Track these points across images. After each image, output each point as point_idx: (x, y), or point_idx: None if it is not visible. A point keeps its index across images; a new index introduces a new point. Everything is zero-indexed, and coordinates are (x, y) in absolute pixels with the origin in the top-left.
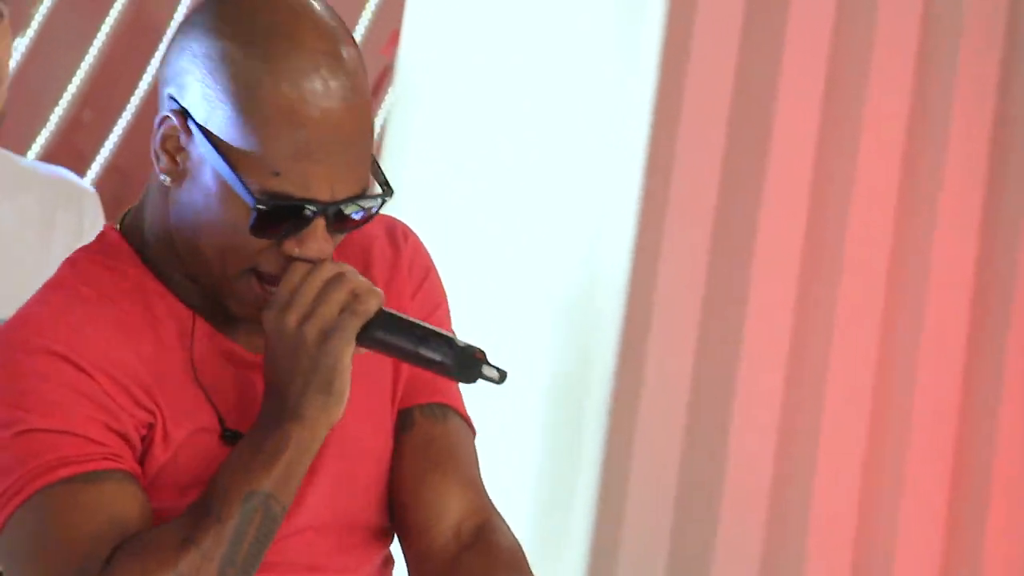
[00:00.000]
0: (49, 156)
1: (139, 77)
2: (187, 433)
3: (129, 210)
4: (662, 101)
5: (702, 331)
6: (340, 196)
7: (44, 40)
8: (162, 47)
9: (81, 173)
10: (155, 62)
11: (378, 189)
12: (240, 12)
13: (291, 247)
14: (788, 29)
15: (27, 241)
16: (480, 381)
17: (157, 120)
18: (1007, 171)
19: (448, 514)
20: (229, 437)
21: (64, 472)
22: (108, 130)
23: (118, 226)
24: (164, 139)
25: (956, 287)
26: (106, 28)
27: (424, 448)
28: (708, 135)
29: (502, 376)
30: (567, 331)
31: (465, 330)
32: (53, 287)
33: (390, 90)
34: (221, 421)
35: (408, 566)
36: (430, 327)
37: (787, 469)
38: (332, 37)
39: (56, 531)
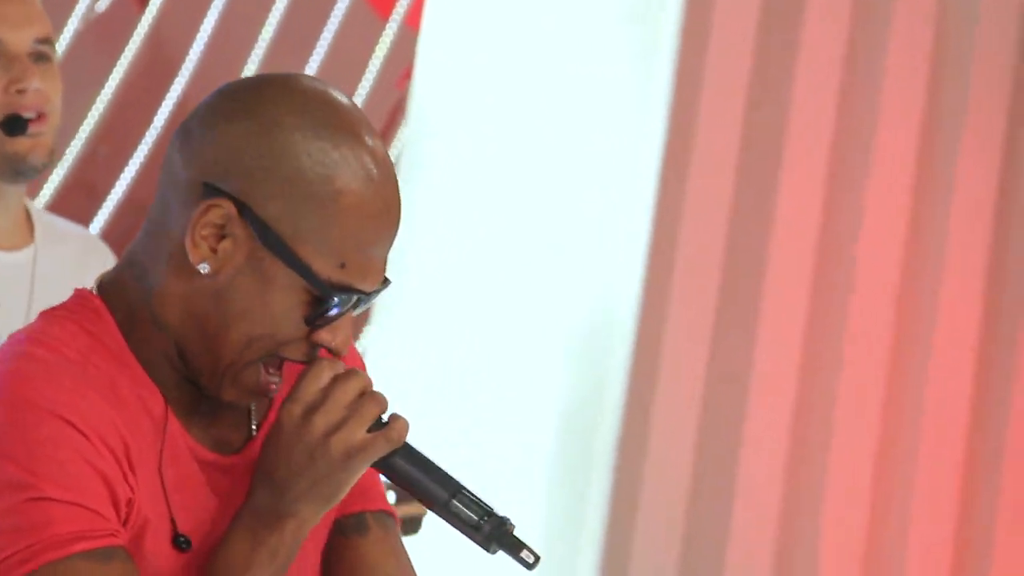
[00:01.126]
0: (64, 190)
1: (154, 113)
2: (143, 524)
3: (105, 279)
4: (673, 138)
5: (711, 366)
6: (376, 286)
7: (61, 76)
8: (178, 86)
9: (95, 208)
10: (171, 98)
11: None
12: (295, 103)
13: (325, 336)
14: (802, 43)
15: (66, 286)
16: (501, 552)
17: (197, 210)
18: (1018, 180)
19: None
20: (181, 543)
21: (79, 547)
22: (123, 165)
23: (95, 292)
24: (204, 227)
25: (966, 302)
26: (122, 64)
27: (383, 557)
28: (718, 170)
29: (536, 560)
30: (577, 366)
31: (478, 364)
32: (34, 342)
33: (403, 125)
34: (173, 523)
35: None
36: (456, 479)
37: (795, 501)
38: (372, 128)
39: None
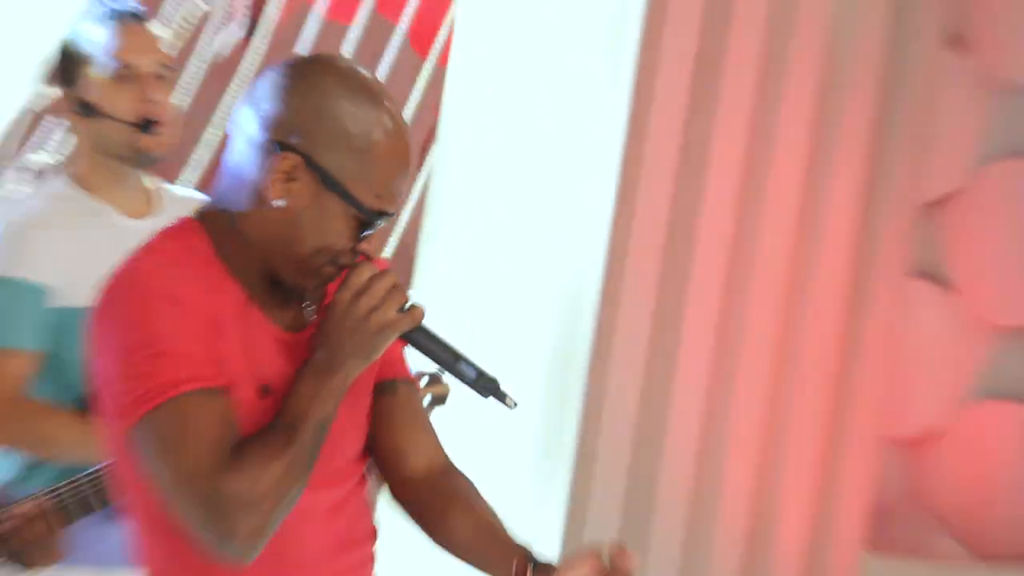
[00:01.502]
0: (205, 178)
1: None
2: (232, 379)
3: (204, 210)
4: (630, 152)
5: (656, 313)
6: (398, 208)
7: (198, 99)
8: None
9: None
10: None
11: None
12: (338, 78)
13: (364, 246)
14: (721, 87)
15: None
16: (492, 399)
17: (272, 161)
18: (877, 194)
19: (425, 454)
20: (265, 390)
21: (190, 386)
22: None
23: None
24: (278, 172)
25: (828, 304)
26: (235, 89)
27: (408, 409)
28: (661, 169)
29: (515, 405)
30: (560, 320)
31: (487, 316)
32: (148, 251)
33: (435, 143)
34: (257, 376)
35: (391, 487)
36: (458, 349)
37: (713, 409)
38: (389, 93)
39: (195, 427)
